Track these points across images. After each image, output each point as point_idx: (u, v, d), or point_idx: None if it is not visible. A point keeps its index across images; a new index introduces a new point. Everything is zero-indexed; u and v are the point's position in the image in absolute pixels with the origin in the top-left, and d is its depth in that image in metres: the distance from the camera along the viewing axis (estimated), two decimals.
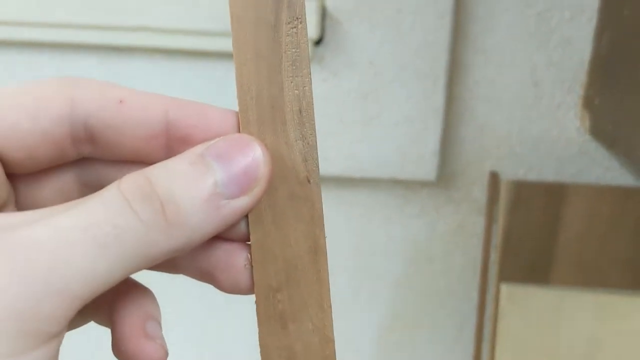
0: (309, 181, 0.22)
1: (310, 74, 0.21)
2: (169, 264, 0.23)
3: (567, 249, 0.56)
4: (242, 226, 0.22)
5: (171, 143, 0.21)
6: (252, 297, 0.23)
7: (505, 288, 0.56)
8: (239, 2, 0.21)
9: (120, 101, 0.21)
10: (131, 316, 0.22)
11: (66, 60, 0.60)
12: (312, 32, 0.54)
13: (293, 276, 0.22)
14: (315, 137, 0.22)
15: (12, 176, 0.22)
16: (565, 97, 0.57)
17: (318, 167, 0.22)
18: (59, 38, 0.58)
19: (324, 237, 0.22)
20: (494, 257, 0.59)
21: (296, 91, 0.21)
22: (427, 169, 0.58)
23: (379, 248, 0.63)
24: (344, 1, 0.55)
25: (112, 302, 0.23)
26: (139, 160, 0.22)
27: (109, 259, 0.18)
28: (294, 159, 0.22)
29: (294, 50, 0.21)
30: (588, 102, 0.56)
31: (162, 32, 0.56)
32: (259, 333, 0.22)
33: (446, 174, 0.60)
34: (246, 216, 0.22)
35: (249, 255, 0.22)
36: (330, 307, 0.23)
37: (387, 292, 0.65)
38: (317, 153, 0.22)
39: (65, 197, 0.22)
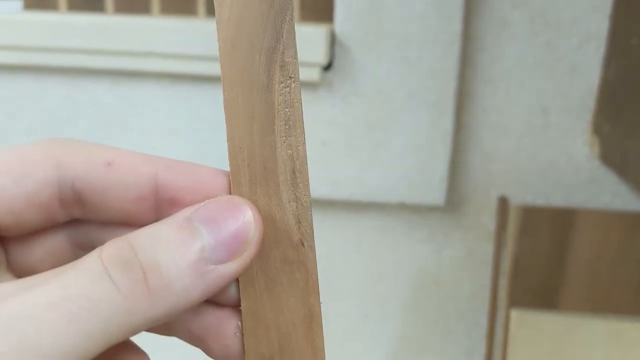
0: (303, 244, 0.21)
1: (304, 133, 0.21)
2: (161, 327, 0.22)
3: (577, 274, 0.56)
4: (233, 291, 0.21)
5: (160, 204, 0.21)
6: None
7: (515, 314, 0.56)
8: (230, 63, 0.20)
9: (109, 164, 0.20)
10: None
11: (76, 84, 0.60)
12: (322, 57, 0.54)
13: (287, 346, 0.21)
14: (310, 197, 0.21)
15: (3, 239, 0.21)
16: (573, 123, 0.57)
17: (312, 229, 0.21)
18: (69, 63, 0.58)
19: (319, 304, 0.21)
20: (503, 282, 0.58)
21: (289, 151, 0.21)
22: (435, 195, 0.58)
23: (387, 273, 0.63)
24: (353, 28, 0.55)
25: None
26: (128, 222, 0.21)
27: (84, 332, 0.18)
28: (287, 221, 0.21)
29: (287, 110, 0.20)
30: (597, 129, 0.56)
31: (170, 58, 0.57)
32: None
33: (455, 199, 0.60)
34: (237, 281, 0.21)
35: (240, 323, 0.21)
36: None
37: (395, 317, 0.64)
38: (311, 215, 0.21)
39: (58, 258, 0.22)
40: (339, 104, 0.57)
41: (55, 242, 0.22)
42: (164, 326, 0.22)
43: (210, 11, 0.61)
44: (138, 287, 0.18)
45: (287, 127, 0.20)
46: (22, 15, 0.59)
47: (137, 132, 0.60)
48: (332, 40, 0.55)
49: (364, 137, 0.57)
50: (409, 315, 0.64)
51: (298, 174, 0.21)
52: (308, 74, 0.55)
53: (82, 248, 0.22)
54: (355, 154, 0.58)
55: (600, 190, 0.58)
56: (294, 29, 0.20)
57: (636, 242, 0.55)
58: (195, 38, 0.56)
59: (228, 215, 0.20)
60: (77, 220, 0.22)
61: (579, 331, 0.55)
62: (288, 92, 0.20)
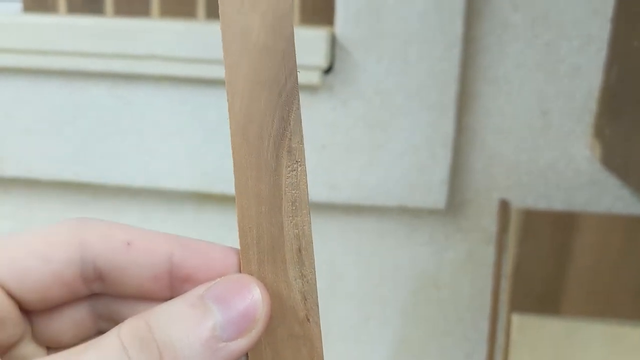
0: (308, 320, 0.22)
1: (309, 213, 0.22)
2: None
3: (578, 278, 0.56)
4: None
5: (174, 281, 0.22)
6: None
7: (516, 318, 0.55)
8: (242, 151, 0.22)
9: (128, 243, 0.22)
10: None
11: (75, 87, 0.60)
12: (322, 60, 0.54)
13: None
14: (315, 275, 0.22)
15: (28, 311, 0.23)
16: (574, 126, 0.57)
17: (318, 305, 0.22)
18: (68, 66, 0.58)
19: None
20: (504, 286, 0.58)
21: (296, 230, 0.22)
22: (436, 197, 0.58)
23: (387, 276, 0.63)
24: (353, 31, 0.55)
25: None
26: (144, 297, 0.23)
27: None
28: (294, 298, 0.22)
29: (294, 191, 0.22)
30: (598, 131, 0.55)
31: (169, 60, 0.56)
32: None
33: (455, 202, 0.60)
34: (246, 355, 0.22)
35: None
36: None
37: (395, 321, 0.64)
38: (316, 292, 0.22)
39: (80, 329, 0.24)
40: (340, 106, 0.57)
41: (77, 314, 0.24)
42: None
43: (210, 14, 0.61)
44: None
45: (294, 207, 0.22)
46: (22, 17, 0.59)
47: (136, 134, 0.60)
48: (333, 43, 0.55)
49: (364, 140, 0.57)
50: (409, 319, 0.64)
51: (304, 252, 0.22)
52: (308, 77, 0.55)
53: (103, 319, 0.24)
54: (355, 156, 0.58)
55: (602, 194, 0.58)
56: (300, 116, 0.22)
57: (638, 246, 0.55)
58: (194, 41, 0.55)
59: (238, 294, 0.21)
60: (98, 294, 0.24)
61: (580, 335, 0.54)
62: (295, 175, 0.22)
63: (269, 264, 0.22)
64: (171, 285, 0.22)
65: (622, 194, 0.58)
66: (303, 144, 0.22)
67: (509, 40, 0.56)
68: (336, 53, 0.55)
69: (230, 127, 0.22)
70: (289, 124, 0.22)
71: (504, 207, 0.58)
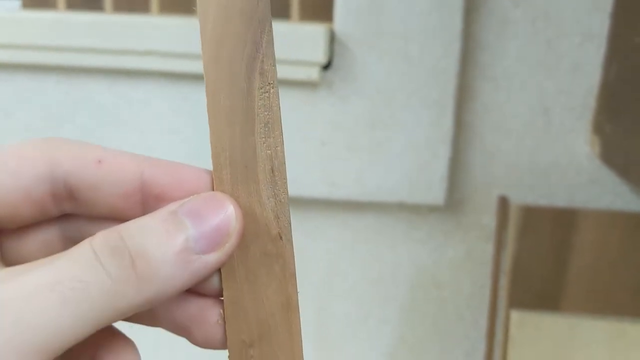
0: (281, 238, 0.22)
1: (282, 135, 0.22)
2: (146, 316, 0.24)
3: (578, 275, 0.56)
4: (215, 282, 0.23)
5: (146, 200, 0.22)
6: (226, 352, 0.23)
7: (515, 315, 0.55)
8: (213, 69, 0.22)
9: (99, 161, 0.22)
10: None
11: (74, 83, 0.60)
12: (321, 57, 0.54)
13: (265, 332, 0.23)
14: (287, 195, 0.22)
15: None
16: (575, 123, 0.57)
17: (290, 224, 0.22)
18: (67, 62, 0.58)
19: (296, 294, 0.23)
20: (503, 283, 0.58)
21: (268, 151, 0.22)
22: (435, 194, 0.58)
23: (386, 273, 0.63)
24: (353, 27, 0.55)
25: (93, 355, 0.23)
26: (116, 217, 0.22)
27: (75, 314, 0.19)
28: (267, 217, 0.22)
29: (266, 113, 0.22)
30: (598, 128, 0.55)
31: (168, 56, 0.56)
32: None
33: (455, 199, 0.60)
34: (219, 272, 0.22)
35: (222, 311, 0.23)
36: None
37: (394, 318, 0.64)
38: (289, 210, 0.22)
39: (50, 251, 0.23)
40: (339, 103, 0.57)
41: (47, 235, 0.23)
42: (149, 316, 0.24)
43: None
44: (126, 272, 0.20)
45: (267, 129, 0.22)
46: (21, 13, 0.59)
47: (135, 131, 0.60)
48: (332, 39, 0.55)
49: (364, 137, 0.57)
50: (408, 316, 0.64)
51: (277, 172, 0.22)
52: (307, 73, 0.54)
53: (73, 242, 0.23)
54: (354, 153, 0.57)
55: (602, 191, 0.58)
56: (272, 39, 0.22)
57: (637, 242, 0.55)
58: (193, 37, 0.55)
59: (211, 209, 0.21)
60: (69, 215, 0.23)
61: (580, 332, 0.54)
62: (267, 97, 0.22)
63: (242, 184, 0.22)
64: (143, 205, 0.22)
65: (622, 190, 0.58)
66: (275, 66, 0.22)
67: (509, 37, 0.55)
68: (335, 49, 0.55)
69: (202, 51, 0.22)
70: (261, 46, 0.22)
71: (503, 203, 0.58)
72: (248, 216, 0.22)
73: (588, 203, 0.58)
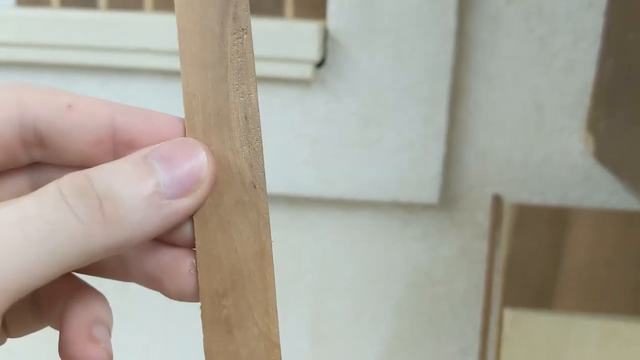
0: (254, 186, 0.22)
1: (255, 82, 0.22)
2: (119, 269, 0.23)
3: (572, 273, 0.56)
4: (188, 231, 0.22)
5: (118, 148, 0.22)
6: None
7: (509, 313, 0.55)
8: (185, 14, 0.22)
9: (69, 106, 0.21)
10: (78, 319, 0.23)
11: (68, 81, 0.60)
12: (314, 54, 0.54)
13: (239, 281, 0.22)
14: (262, 143, 0.22)
15: None
16: (568, 120, 0.56)
17: (264, 172, 0.22)
18: (60, 59, 0.58)
19: (270, 243, 0.22)
20: (498, 281, 0.58)
21: (241, 98, 0.22)
22: (429, 192, 0.58)
23: (380, 271, 0.63)
24: (346, 24, 0.55)
25: (63, 306, 0.23)
26: (87, 165, 0.22)
27: (40, 253, 0.18)
28: (240, 165, 0.22)
29: (239, 59, 0.22)
30: (592, 126, 0.55)
31: (162, 54, 0.56)
32: (204, 339, 0.22)
33: (448, 197, 0.60)
34: (192, 221, 0.22)
35: (194, 261, 0.22)
36: (276, 312, 0.22)
37: (389, 316, 0.64)
38: (263, 159, 0.22)
39: None
40: (332, 100, 0.56)
41: (16, 184, 0.23)
42: (122, 270, 0.23)
43: None
44: (94, 214, 0.19)
45: (240, 75, 0.22)
46: (15, 11, 0.59)
47: None
48: (325, 37, 0.55)
49: (357, 134, 0.57)
50: (402, 314, 0.64)
51: (250, 120, 0.22)
52: (301, 70, 0.54)
53: None
54: (348, 151, 0.57)
55: (596, 189, 0.58)
56: None
57: (631, 241, 0.55)
58: None
59: (182, 154, 0.21)
60: (39, 164, 0.23)
61: (573, 330, 0.54)
62: (240, 42, 0.22)
63: (214, 132, 0.22)
64: (114, 152, 0.22)
65: (616, 188, 0.58)
66: (248, 11, 0.22)
67: (503, 34, 0.55)
68: (328, 47, 0.55)
69: None
70: None
71: (497, 202, 0.58)
72: (221, 164, 0.22)
73: (582, 201, 0.58)
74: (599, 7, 0.54)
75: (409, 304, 0.63)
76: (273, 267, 0.22)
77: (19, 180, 0.23)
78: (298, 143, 0.58)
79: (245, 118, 0.22)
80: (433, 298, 0.63)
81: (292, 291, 0.64)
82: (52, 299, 0.23)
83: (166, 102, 0.59)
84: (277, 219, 0.62)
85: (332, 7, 0.54)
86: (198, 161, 0.21)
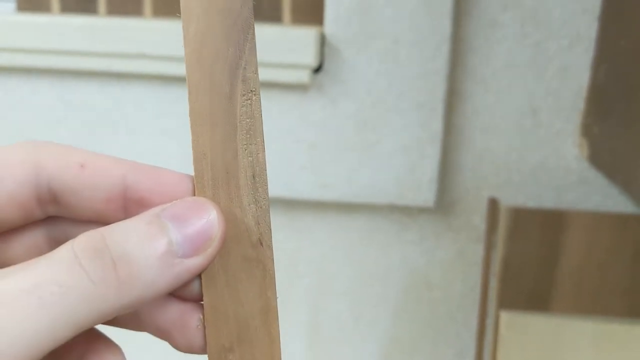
0: (261, 244, 0.23)
1: (263, 142, 0.22)
2: (130, 321, 0.24)
3: (567, 276, 0.56)
4: (196, 286, 0.23)
5: (128, 205, 0.22)
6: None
7: (504, 316, 0.56)
8: (196, 77, 0.22)
9: (82, 165, 0.22)
10: None
11: (66, 86, 0.60)
12: (312, 59, 0.54)
13: (245, 336, 0.23)
14: (268, 201, 0.23)
15: None
16: (563, 125, 0.57)
17: (270, 230, 0.23)
18: (61, 64, 0.58)
19: (276, 299, 0.23)
20: (494, 284, 0.58)
21: (250, 158, 0.22)
22: (425, 196, 0.58)
23: (377, 274, 0.63)
24: (343, 30, 0.55)
25: (79, 358, 0.23)
26: (100, 221, 0.23)
27: (54, 318, 0.19)
28: (247, 222, 0.22)
29: (248, 120, 0.22)
30: (587, 130, 0.56)
31: (161, 60, 0.57)
32: None
33: (445, 201, 0.60)
34: (200, 277, 0.23)
35: (202, 316, 0.23)
36: None
37: (385, 319, 0.64)
38: (269, 217, 0.23)
39: (37, 253, 0.23)
40: (329, 105, 0.57)
41: (32, 238, 0.24)
42: (134, 321, 0.24)
43: None
44: (108, 275, 0.19)
45: (249, 136, 0.22)
46: (15, 16, 0.60)
47: (127, 133, 0.60)
48: (322, 42, 0.56)
49: (354, 139, 0.57)
50: (399, 317, 0.64)
51: (257, 178, 0.22)
52: (298, 76, 0.55)
53: (59, 244, 0.23)
54: (345, 155, 0.58)
55: (591, 192, 0.58)
56: (255, 47, 0.22)
57: (626, 243, 0.55)
58: None
59: (194, 213, 0.21)
60: (54, 217, 0.23)
61: (569, 333, 0.55)
62: (249, 104, 0.22)
63: (223, 190, 0.22)
64: (125, 209, 0.22)
65: (610, 192, 0.58)
66: (257, 74, 0.22)
67: (498, 39, 0.56)
68: (326, 52, 0.56)
69: (185, 52, 0.22)
70: (244, 52, 0.22)
71: (493, 205, 0.58)
72: (229, 221, 0.22)
73: (577, 204, 0.59)
74: (593, 13, 0.54)
75: (405, 307, 0.64)
76: (278, 323, 0.23)
77: (36, 235, 0.24)
78: (295, 147, 0.58)
79: (253, 177, 0.22)
80: (430, 301, 0.63)
81: (290, 294, 0.64)
82: (68, 350, 0.23)
83: (164, 107, 0.59)
84: (275, 222, 0.62)
85: (329, 13, 0.55)
86: (209, 220, 0.21)
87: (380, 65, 0.56)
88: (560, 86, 0.56)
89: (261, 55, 0.57)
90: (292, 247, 0.63)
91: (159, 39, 0.56)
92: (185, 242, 0.21)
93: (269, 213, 0.23)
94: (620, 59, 0.50)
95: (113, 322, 0.24)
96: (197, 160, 0.22)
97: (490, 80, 0.57)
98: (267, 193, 0.23)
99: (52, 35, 0.57)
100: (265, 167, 0.23)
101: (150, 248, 0.20)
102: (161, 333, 0.24)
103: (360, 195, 0.59)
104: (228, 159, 0.22)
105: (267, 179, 0.23)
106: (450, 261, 0.62)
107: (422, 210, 0.61)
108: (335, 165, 0.58)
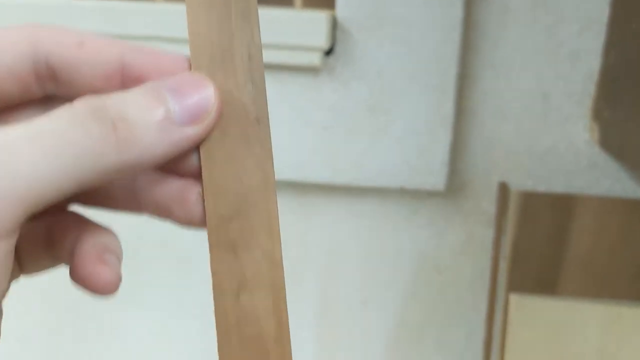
0: (258, 122, 0.23)
1: (258, 21, 0.23)
2: (130, 200, 0.25)
3: (576, 260, 0.57)
4: (195, 162, 0.23)
5: (126, 83, 0.23)
6: None
7: (514, 298, 0.56)
8: None
9: (80, 43, 0.23)
10: (89, 247, 0.24)
11: None
12: (323, 42, 0.54)
13: (243, 208, 0.23)
14: (264, 81, 0.23)
15: None
16: (574, 109, 0.57)
17: (267, 108, 0.23)
18: None
19: (273, 174, 0.23)
20: (503, 267, 0.59)
21: (245, 37, 0.23)
22: (436, 180, 0.58)
23: (387, 258, 0.64)
24: (355, 13, 0.55)
25: (74, 240, 0.24)
26: None
27: (55, 167, 0.19)
28: (244, 101, 0.23)
29: (242, 2, 0.23)
30: (597, 114, 0.56)
31: (173, 42, 0.57)
32: (211, 260, 0.23)
33: (455, 184, 0.61)
34: (198, 153, 0.23)
35: (201, 189, 0.23)
36: (279, 234, 0.24)
37: (395, 302, 0.65)
38: (265, 96, 0.23)
39: None
40: (340, 88, 0.57)
41: (31, 115, 0.24)
42: (132, 200, 0.25)
43: None
44: (107, 134, 0.20)
45: (244, 14, 0.23)
46: None
47: None
48: (334, 25, 0.56)
49: (365, 122, 0.58)
50: (408, 301, 0.64)
51: (254, 59, 0.23)
52: (309, 58, 0.55)
53: None
54: (355, 138, 0.58)
55: (601, 176, 0.58)
56: None
57: (636, 228, 0.56)
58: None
59: (191, 87, 0.22)
60: (52, 99, 0.24)
61: (577, 316, 0.55)
62: None
63: (219, 69, 0.23)
64: (123, 86, 0.23)
65: (620, 177, 0.58)
66: None
67: (509, 24, 0.56)
68: (337, 35, 0.56)
69: None
70: None
71: (503, 189, 0.59)
72: (226, 100, 0.23)
73: (587, 189, 0.59)
74: None
75: (415, 290, 0.64)
76: (276, 196, 0.23)
77: (34, 112, 0.24)
78: (306, 130, 0.58)
79: (249, 57, 0.23)
80: (439, 284, 0.64)
81: (299, 277, 0.65)
82: (64, 234, 0.24)
83: None
84: (285, 205, 0.62)
85: None
86: (206, 93, 0.22)
87: (391, 49, 0.56)
88: (571, 70, 0.56)
89: (273, 37, 0.58)
90: (302, 229, 0.64)
91: (171, 21, 0.56)
92: (182, 112, 0.21)
93: (265, 93, 0.23)
94: (632, 43, 0.50)
95: (114, 202, 0.25)
96: (193, 41, 0.23)
97: (501, 64, 0.57)
98: (263, 74, 0.23)
99: (63, 18, 0.58)
100: (261, 48, 0.23)
101: (149, 113, 0.21)
102: (161, 210, 0.24)
103: (371, 178, 0.59)
104: (224, 39, 0.23)
105: (262, 59, 0.23)
106: (460, 245, 0.62)
107: (432, 194, 0.61)
108: (345, 149, 0.58)
